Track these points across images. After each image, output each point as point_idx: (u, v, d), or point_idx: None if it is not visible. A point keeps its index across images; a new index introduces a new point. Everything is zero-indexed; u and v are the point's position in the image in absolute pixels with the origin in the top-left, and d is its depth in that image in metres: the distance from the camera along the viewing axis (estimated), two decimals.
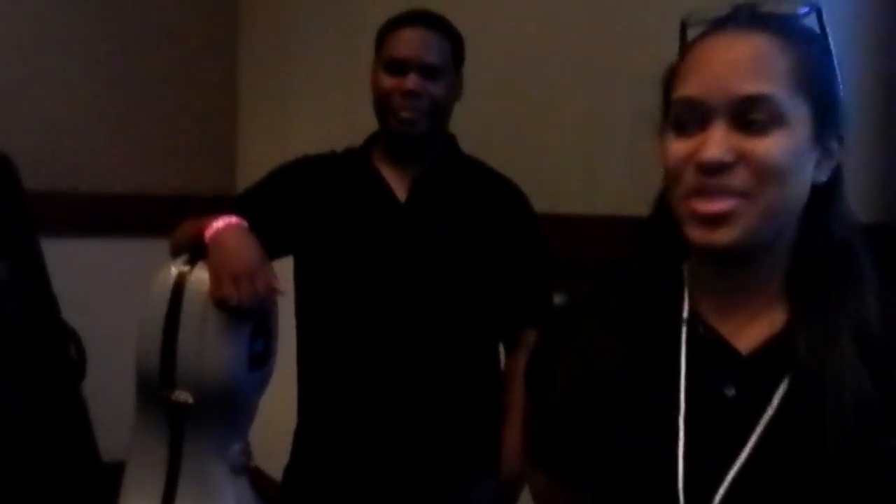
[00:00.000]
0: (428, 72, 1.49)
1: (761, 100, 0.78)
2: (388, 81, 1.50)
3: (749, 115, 0.78)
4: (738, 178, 0.78)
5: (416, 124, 1.49)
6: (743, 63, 0.79)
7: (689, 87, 0.81)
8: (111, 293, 2.64)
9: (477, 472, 1.53)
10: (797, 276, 0.84)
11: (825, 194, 0.83)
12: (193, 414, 1.45)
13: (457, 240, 1.51)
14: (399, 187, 1.54)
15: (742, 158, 0.78)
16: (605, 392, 0.85)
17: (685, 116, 0.81)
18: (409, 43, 1.50)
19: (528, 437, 1.02)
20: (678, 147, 0.81)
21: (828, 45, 0.83)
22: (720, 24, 0.83)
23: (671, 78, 0.86)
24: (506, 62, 1.88)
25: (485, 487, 1.52)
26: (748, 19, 0.82)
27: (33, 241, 1.68)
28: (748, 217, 0.79)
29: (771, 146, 0.78)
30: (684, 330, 0.86)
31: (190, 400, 1.43)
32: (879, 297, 0.82)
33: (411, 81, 1.48)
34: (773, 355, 0.82)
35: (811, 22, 0.84)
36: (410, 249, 1.50)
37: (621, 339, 0.86)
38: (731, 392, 0.82)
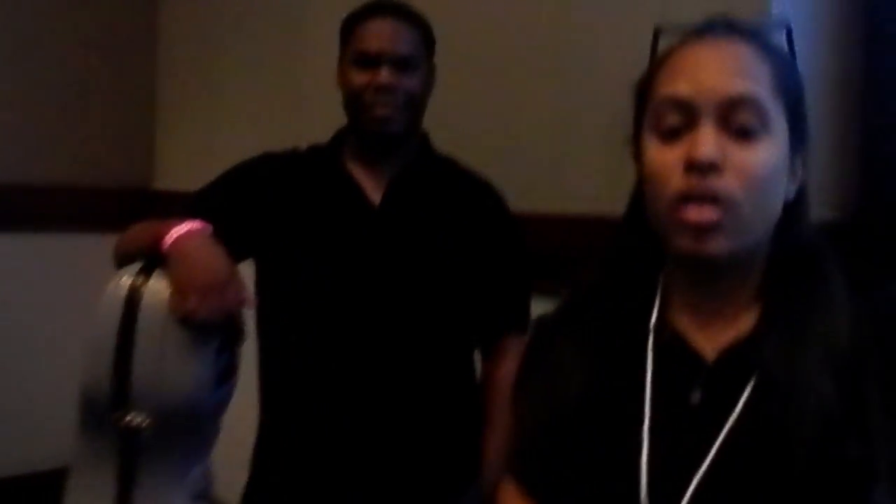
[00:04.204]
0: (401, 64, 1.41)
1: (748, 101, 0.79)
2: (359, 77, 1.41)
3: (737, 116, 0.79)
4: (726, 183, 0.79)
5: (391, 121, 1.41)
6: (731, 65, 0.81)
7: (677, 87, 0.82)
8: (16, 289, 2.45)
9: (457, 484, 1.46)
10: (768, 285, 0.85)
11: (793, 213, 0.85)
12: (150, 438, 1.31)
13: (434, 244, 1.44)
14: (372, 189, 1.45)
15: (731, 166, 0.79)
16: (573, 412, 0.85)
17: (671, 119, 0.81)
18: (379, 35, 1.42)
19: (509, 448, 1.00)
20: (665, 153, 0.82)
21: (796, 63, 0.86)
22: (699, 33, 0.85)
23: (647, 85, 0.86)
24: (473, 58, 1.81)
25: (468, 499, 1.46)
26: (726, 29, 0.84)
27: None
28: (735, 227, 0.79)
29: (758, 156, 0.79)
30: (651, 338, 0.86)
31: (146, 423, 1.30)
32: (849, 307, 0.83)
33: (384, 75, 1.39)
34: (738, 360, 0.83)
35: (780, 39, 0.87)
36: (386, 254, 1.42)
37: (588, 357, 0.87)
38: (696, 398, 0.82)
